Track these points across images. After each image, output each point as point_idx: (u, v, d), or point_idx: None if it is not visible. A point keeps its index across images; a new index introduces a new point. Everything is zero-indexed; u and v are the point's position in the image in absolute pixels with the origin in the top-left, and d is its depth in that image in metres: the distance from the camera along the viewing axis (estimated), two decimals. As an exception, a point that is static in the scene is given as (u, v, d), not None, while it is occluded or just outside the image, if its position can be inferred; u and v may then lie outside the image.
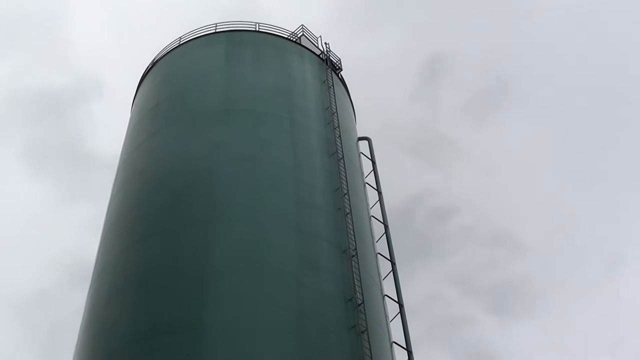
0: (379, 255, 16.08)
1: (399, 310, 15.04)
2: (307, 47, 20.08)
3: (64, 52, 48.05)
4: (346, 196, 15.58)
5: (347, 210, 15.26)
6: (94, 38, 49.50)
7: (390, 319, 14.94)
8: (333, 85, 18.90)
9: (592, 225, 40.14)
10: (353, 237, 14.77)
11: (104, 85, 48.24)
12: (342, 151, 16.73)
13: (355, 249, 14.53)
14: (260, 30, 19.87)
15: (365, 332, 13.11)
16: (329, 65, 19.84)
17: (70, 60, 47.64)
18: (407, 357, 14.28)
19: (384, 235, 16.58)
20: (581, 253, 39.72)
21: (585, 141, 42.12)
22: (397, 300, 15.21)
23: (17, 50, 45.71)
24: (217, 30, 19.89)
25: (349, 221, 15.07)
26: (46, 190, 42.39)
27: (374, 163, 18.37)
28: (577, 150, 41.94)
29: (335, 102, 18.19)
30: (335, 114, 17.72)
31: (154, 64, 20.41)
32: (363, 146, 18.87)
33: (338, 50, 20.26)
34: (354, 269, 14.15)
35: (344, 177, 16.05)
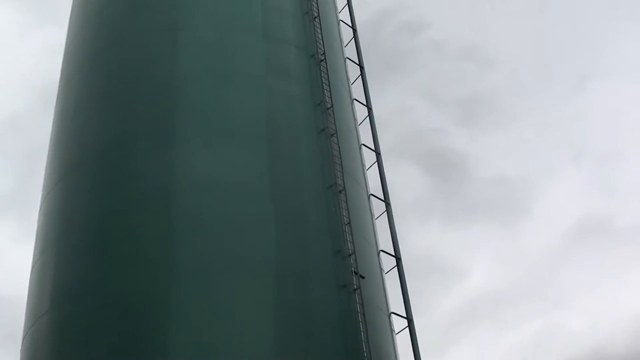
0: (347, 59, 15.94)
1: (367, 114, 15.16)
2: None
3: None
4: (314, -1, 15.16)
5: (315, 14, 14.92)
6: None
7: (359, 123, 15.10)
8: None
9: (562, 40, 39.98)
10: (321, 41, 14.54)
11: None
12: (309, -47, 16.04)
13: (324, 53, 14.36)
14: None
15: (335, 135, 13.26)
16: None
17: None
18: (375, 159, 14.58)
19: (352, 39, 16.36)
20: (551, 68, 39.84)
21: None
22: (365, 103, 15.28)
23: None
24: None
25: (317, 25, 14.78)
26: (11, 14, 40.81)
27: (341, -35, 17.74)
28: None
29: None
30: None
31: None
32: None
33: None
34: (322, 73, 14.07)
35: (310, -20, 15.52)
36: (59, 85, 14.99)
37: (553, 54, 39.18)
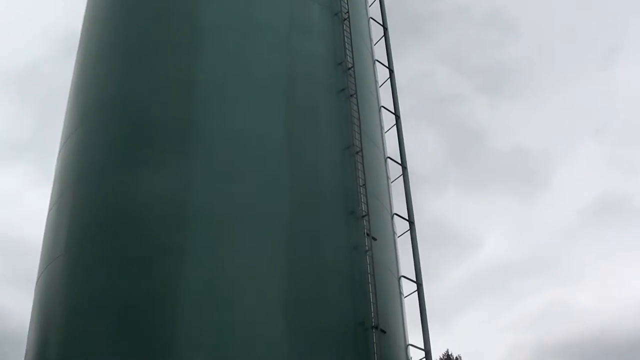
0: (371, 20, 15.78)
1: (388, 76, 15.06)
2: None
3: None
4: (339, -45, 14.94)
5: (340, -28, 14.72)
6: None
7: (379, 84, 15.01)
8: None
9: (591, 10, 39.29)
10: (345, -1, 14.38)
11: None
12: None
13: (348, 11, 14.23)
14: None
15: (355, 95, 13.20)
16: None
17: None
18: (394, 122, 14.53)
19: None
20: (578, 39, 39.21)
21: None
22: (387, 65, 15.18)
23: None
24: None
25: (342, -17, 14.59)
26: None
27: None
28: None
29: None
30: None
31: None
32: None
33: None
34: (345, 32, 13.94)
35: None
36: (81, 34, 14.99)
37: (581, 25, 38.56)
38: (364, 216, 11.82)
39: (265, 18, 13.32)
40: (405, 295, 12.43)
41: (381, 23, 15.79)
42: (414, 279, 12.52)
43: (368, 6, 16.04)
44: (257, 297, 10.32)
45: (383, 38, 15.61)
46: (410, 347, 12.03)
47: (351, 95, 13.18)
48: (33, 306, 11.88)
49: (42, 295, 11.69)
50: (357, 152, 12.50)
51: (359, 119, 12.91)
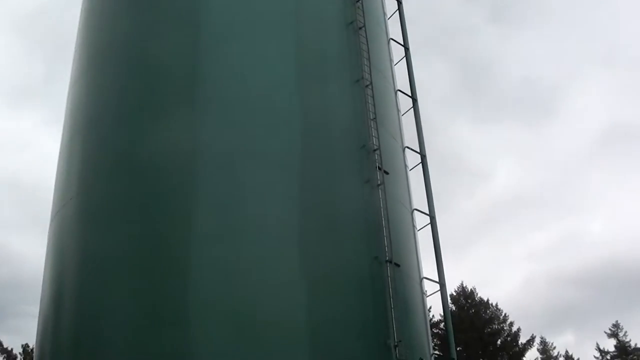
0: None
1: (397, 8, 14.78)
2: None
3: None
4: None
5: None
6: None
7: (388, 17, 14.75)
8: None
9: None
10: None
11: None
12: None
13: (355, -60, 13.83)
14: None
15: (363, 28, 13.01)
16: None
17: None
18: (403, 54, 14.33)
19: None
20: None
21: None
22: (395, -4, 14.89)
23: None
24: None
25: None
26: None
27: None
28: None
29: None
30: None
31: None
32: None
33: None
34: (352, -39, 13.60)
35: None
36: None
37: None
38: (375, 150, 11.74)
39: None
40: (418, 229, 12.44)
41: (388, -47, 15.40)
42: (427, 212, 12.50)
43: None
44: (270, 235, 10.32)
45: (390, -33, 15.26)
46: (424, 280, 12.08)
47: (360, 28, 12.97)
48: (47, 249, 11.96)
49: (55, 238, 11.75)
50: (366, 86, 12.35)
51: (368, 52, 12.72)
